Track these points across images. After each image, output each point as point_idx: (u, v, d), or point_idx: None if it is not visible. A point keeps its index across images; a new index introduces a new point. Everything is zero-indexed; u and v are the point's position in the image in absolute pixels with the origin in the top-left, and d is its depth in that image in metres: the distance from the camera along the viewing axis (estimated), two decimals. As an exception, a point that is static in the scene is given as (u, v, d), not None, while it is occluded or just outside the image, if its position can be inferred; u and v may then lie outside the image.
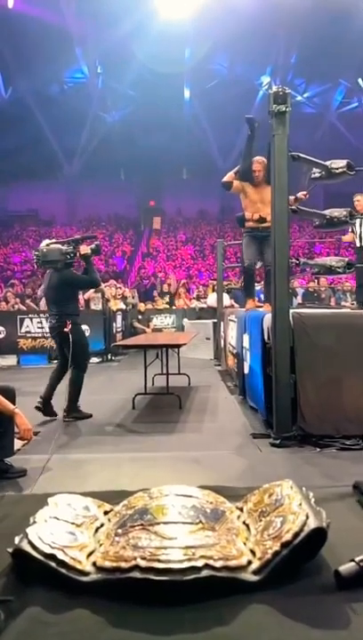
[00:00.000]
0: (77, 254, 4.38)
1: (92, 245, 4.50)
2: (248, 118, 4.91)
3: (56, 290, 4.42)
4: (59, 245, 4.41)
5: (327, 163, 3.90)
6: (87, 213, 26.59)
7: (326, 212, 4.66)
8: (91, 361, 8.58)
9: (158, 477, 2.72)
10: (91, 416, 4.44)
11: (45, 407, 4.37)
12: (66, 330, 4.31)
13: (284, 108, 3.52)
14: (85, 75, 25.67)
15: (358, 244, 5.85)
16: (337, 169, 3.90)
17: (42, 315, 8.65)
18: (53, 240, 4.75)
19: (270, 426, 3.76)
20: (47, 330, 8.60)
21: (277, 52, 24.42)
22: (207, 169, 27.14)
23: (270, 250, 3.68)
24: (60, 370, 4.52)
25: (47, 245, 4.43)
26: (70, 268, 4.43)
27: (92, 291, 9.72)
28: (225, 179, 5.12)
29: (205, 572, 1.28)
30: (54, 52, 22.45)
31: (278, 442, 3.49)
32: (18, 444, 3.06)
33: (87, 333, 8.68)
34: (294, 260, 3.96)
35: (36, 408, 4.30)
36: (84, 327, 8.61)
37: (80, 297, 9.63)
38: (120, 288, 11.67)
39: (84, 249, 4.41)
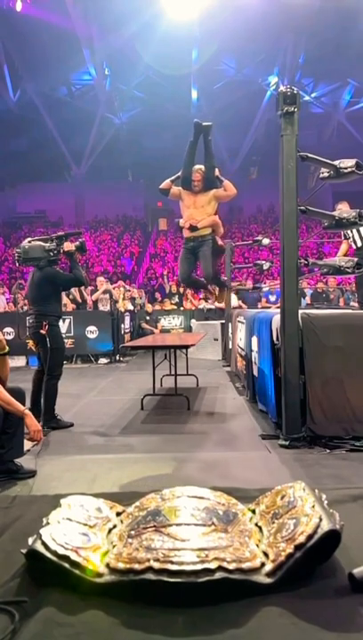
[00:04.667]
0: (61, 252, 4.22)
1: (77, 243, 4.32)
2: (196, 123, 4.85)
3: (36, 288, 4.21)
4: (41, 242, 4.25)
5: (336, 162, 3.87)
6: (95, 214, 26.70)
7: (336, 212, 4.64)
8: (99, 362, 8.73)
9: (167, 478, 2.72)
10: (72, 425, 4.20)
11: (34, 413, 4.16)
12: (42, 331, 4.07)
13: (292, 109, 3.51)
14: (93, 77, 25.73)
15: (355, 246, 5.83)
16: (346, 168, 3.86)
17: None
18: (36, 237, 4.54)
19: (279, 427, 3.75)
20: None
21: (284, 52, 24.33)
22: (215, 170, 27.16)
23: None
24: (39, 372, 4.30)
25: (29, 242, 4.25)
26: (54, 265, 4.26)
27: (100, 292, 9.78)
28: (162, 185, 5.09)
29: (218, 575, 1.28)
30: (62, 55, 22.54)
31: (287, 443, 3.48)
32: (28, 444, 3.08)
33: (95, 334, 8.78)
34: (302, 261, 3.94)
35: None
36: (93, 328, 8.78)
37: (84, 297, 9.77)
38: (129, 290, 11.70)
39: (68, 246, 4.25)
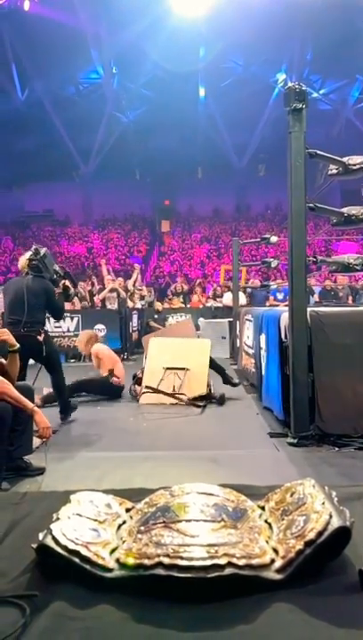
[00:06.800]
0: (61, 282, 4.38)
1: (70, 289, 4.51)
2: None
3: (36, 296, 4.10)
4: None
5: (345, 159, 3.86)
6: (102, 213, 26.77)
7: (345, 209, 4.62)
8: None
9: (175, 476, 2.73)
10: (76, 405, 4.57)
11: None
12: (40, 338, 4.07)
13: (300, 105, 3.50)
14: (100, 75, 25.79)
15: None
16: (355, 165, 3.86)
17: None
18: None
19: (286, 425, 3.74)
20: (65, 330, 8.71)
21: (292, 49, 24.24)
22: (222, 168, 27.16)
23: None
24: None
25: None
26: (53, 284, 4.32)
27: (107, 290, 9.83)
28: None
29: (228, 570, 1.28)
30: (70, 54, 22.60)
31: (295, 441, 3.48)
32: (36, 442, 3.10)
33: (103, 332, 8.81)
34: (310, 258, 3.93)
35: None
36: (102, 326, 8.81)
37: (93, 297, 9.88)
38: (141, 289, 11.72)
39: (67, 284, 4.44)
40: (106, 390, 5.42)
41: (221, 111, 26.26)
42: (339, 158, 3.86)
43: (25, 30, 21.94)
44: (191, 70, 23.76)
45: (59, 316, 4.63)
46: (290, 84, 3.59)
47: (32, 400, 2.98)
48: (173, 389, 5.00)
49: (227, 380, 5.47)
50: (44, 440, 3.05)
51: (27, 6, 21.06)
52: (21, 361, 3.89)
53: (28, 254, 4.31)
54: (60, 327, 8.60)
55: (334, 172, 4.01)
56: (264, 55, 24.32)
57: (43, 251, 4.27)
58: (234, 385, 5.45)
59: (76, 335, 8.59)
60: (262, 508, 1.63)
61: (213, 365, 5.36)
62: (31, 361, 4.22)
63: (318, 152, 3.67)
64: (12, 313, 4.09)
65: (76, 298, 9.27)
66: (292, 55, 24.63)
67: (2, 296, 10.40)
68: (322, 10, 19.82)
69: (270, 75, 26.26)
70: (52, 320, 5.47)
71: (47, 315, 4.35)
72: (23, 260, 4.32)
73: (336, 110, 26.93)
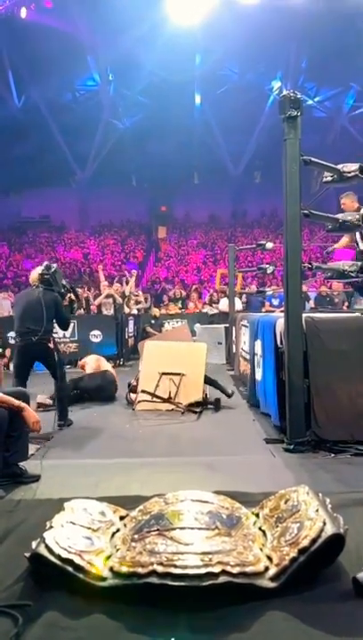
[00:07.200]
0: (67, 295, 4.69)
1: (75, 303, 4.87)
2: None
3: (48, 308, 4.34)
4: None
5: (339, 166, 3.88)
6: (99, 219, 26.80)
7: (339, 215, 4.64)
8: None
9: (171, 482, 2.71)
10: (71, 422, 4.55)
11: None
12: (50, 345, 4.40)
13: (295, 113, 3.52)
14: (97, 82, 25.90)
15: (359, 248, 5.76)
16: (349, 172, 3.88)
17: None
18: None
19: (282, 431, 3.74)
20: (61, 336, 8.73)
21: (287, 57, 24.41)
22: (218, 174, 27.27)
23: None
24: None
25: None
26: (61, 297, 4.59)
27: (103, 296, 9.82)
28: None
29: (222, 579, 1.28)
30: (66, 61, 22.67)
31: (291, 447, 3.47)
32: (32, 448, 3.09)
33: (100, 339, 8.80)
34: (306, 265, 3.94)
35: None
36: (98, 332, 8.81)
37: (90, 304, 9.94)
38: (137, 294, 11.73)
39: (72, 297, 4.77)
40: (96, 387, 5.64)
41: (217, 118, 26.39)
42: (333, 165, 3.88)
43: (21, 37, 22.01)
44: (187, 78, 23.88)
45: (66, 326, 4.87)
46: (285, 92, 3.61)
47: (28, 404, 2.96)
48: (169, 396, 4.99)
49: (222, 391, 5.46)
50: (40, 447, 3.04)
51: (23, 14, 21.16)
52: (27, 366, 4.44)
53: (40, 269, 4.60)
54: (55, 333, 8.55)
55: (329, 179, 4.03)
56: (260, 63, 24.50)
57: (54, 266, 4.62)
58: (228, 395, 5.44)
59: (72, 341, 8.63)
60: (257, 515, 1.63)
61: (206, 380, 5.35)
62: (39, 369, 4.57)
63: (313, 159, 3.69)
64: (24, 322, 4.37)
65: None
66: (287, 63, 24.80)
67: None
68: (317, 18, 19.99)
69: (266, 82, 26.42)
70: None
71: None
72: (35, 274, 4.60)
73: (331, 118, 27.10)
